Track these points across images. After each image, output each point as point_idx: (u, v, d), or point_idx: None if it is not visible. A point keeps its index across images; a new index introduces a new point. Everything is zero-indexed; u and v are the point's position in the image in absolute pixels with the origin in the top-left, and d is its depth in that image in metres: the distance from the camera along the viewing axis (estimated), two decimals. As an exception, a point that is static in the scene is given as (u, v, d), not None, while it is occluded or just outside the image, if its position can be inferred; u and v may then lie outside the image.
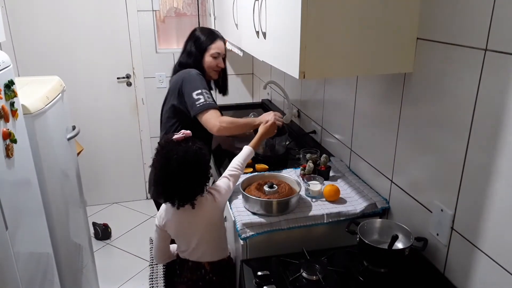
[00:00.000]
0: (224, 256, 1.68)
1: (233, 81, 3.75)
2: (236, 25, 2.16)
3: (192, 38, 2.04)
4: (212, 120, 1.80)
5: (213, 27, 2.96)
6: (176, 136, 1.51)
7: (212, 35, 2.02)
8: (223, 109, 2.33)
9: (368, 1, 1.23)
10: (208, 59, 2.00)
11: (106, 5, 3.24)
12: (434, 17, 1.24)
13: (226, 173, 1.67)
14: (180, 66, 2.05)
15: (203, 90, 1.84)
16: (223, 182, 1.62)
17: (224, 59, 2.08)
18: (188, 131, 1.54)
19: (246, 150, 1.75)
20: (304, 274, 1.29)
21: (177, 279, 1.72)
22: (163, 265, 2.36)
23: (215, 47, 2.00)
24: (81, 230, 2.27)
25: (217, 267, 1.65)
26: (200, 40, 2.01)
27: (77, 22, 3.21)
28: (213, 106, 1.83)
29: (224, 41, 2.06)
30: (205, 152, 1.53)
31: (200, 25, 3.47)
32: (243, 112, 2.86)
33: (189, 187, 1.48)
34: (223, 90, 2.20)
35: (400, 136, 1.48)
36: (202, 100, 1.81)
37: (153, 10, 3.35)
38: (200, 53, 2.00)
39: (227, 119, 1.83)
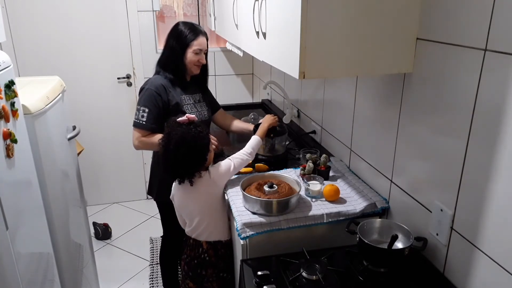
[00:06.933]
0: (222, 238, 1.75)
1: (233, 81, 3.75)
2: (236, 25, 2.16)
3: (175, 33, 2.02)
4: (133, 138, 1.98)
5: (213, 28, 2.96)
6: (180, 118, 1.64)
7: (195, 31, 2.00)
8: (224, 109, 2.34)
9: (368, 2, 1.23)
10: (189, 55, 1.99)
11: (106, 5, 3.24)
12: (434, 17, 1.24)
13: (231, 156, 1.74)
14: (158, 63, 2.07)
15: (141, 108, 1.95)
16: (224, 163, 1.70)
17: (206, 55, 2.07)
18: (193, 116, 1.67)
19: (254, 139, 1.84)
20: (304, 274, 1.29)
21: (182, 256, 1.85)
22: (162, 265, 2.35)
23: (197, 44, 1.99)
24: (81, 230, 2.27)
25: (213, 247, 1.73)
26: (183, 36, 1.99)
27: (78, 22, 3.22)
28: (139, 125, 1.95)
29: (207, 37, 2.05)
30: (204, 136, 1.63)
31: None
32: (243, 112, 2.86)
33: (185, 166, 1.60)
34: (203, 85, 2.20)
35: (400, 136, 1.48)
36: (135, 117, 1.96)
37: (153, 10, 3.36)
38: (182, 48, 1.99)
39: (142, 141, 1.96)
